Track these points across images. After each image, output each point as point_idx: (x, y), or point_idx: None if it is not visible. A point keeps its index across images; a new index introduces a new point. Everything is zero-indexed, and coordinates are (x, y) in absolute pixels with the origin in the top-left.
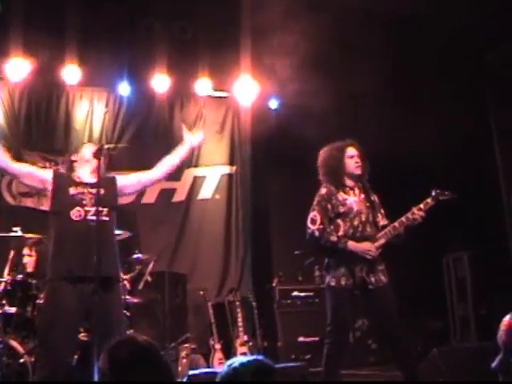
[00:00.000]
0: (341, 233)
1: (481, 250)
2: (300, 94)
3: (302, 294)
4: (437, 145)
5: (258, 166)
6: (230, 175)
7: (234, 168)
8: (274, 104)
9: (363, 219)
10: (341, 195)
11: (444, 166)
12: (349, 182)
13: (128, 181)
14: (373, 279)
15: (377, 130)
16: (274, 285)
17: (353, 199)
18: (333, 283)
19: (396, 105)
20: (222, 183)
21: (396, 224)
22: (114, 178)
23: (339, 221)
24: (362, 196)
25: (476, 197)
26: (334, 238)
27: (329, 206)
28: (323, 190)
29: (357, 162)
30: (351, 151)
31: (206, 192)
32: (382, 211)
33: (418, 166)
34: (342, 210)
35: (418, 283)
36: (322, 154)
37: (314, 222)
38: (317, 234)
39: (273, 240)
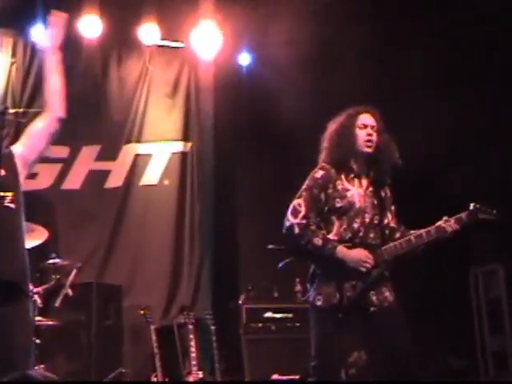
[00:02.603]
0: (333, 235)
1: None
2: (279, 46)
3: (278, 316)
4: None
5: (223, 142)
6: (183, 154)
7: (190, 145)
8: (244, 59)
9: (366, 221)
10: (342, 183)
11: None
12: (355, 166)
13: (22, 144)
14: (374, 298)
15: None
16: (239, 302)
17: (356, 191)
18: (319, 302)
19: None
20: (172, 165)
21: (411, 237)
22: (10, 151)
23: (334, 218)
24: (371, 189)
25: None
26: (318, 241)
27: (322, 196)
28: (319, 173)
29: (369, 135)
30: (365, 119)
31: (152, 176)
32: (393, 209)
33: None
34: (339, 203)
35: (434, 304)
36: (331, 123)
37: (296, 212)
38: (296, 230)
39: (240, 242)
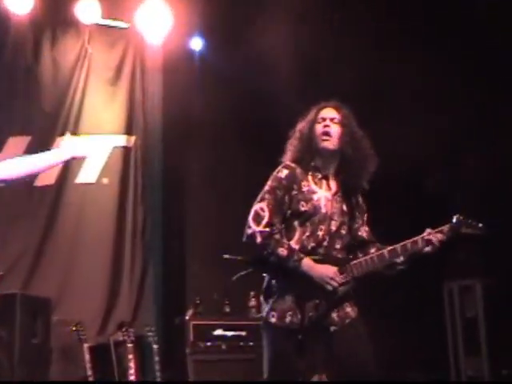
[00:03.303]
0: (294, 243)
1: (502, 276)
2: (239, 31)
3: (230, 334)
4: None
5: (172, 137)
6: (126, 149)
7: (133, 139)
8: (197, 44)
9: (332, 229)
10: (307, 184)
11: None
12: (320, 165)
13: None
14: (335, 315)
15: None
16: (186, 318)
17: (323, 195)
18: (273, 319)
19: None
20: (113, 161)
21: (385, 252)
22: None
23: (296, 224)
24: (340, 193)
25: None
26: (282, 252)
27: (286, 198)
28: (283, 172)
29: (325, 127)
30: (325, 112)
31: (89, 173)
32: (365, 218)
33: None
34: (303, 207)
35: (402, 324)
36: (299, 121)
37: (258, 218)
38: (259, 239)
39: (189, 250)
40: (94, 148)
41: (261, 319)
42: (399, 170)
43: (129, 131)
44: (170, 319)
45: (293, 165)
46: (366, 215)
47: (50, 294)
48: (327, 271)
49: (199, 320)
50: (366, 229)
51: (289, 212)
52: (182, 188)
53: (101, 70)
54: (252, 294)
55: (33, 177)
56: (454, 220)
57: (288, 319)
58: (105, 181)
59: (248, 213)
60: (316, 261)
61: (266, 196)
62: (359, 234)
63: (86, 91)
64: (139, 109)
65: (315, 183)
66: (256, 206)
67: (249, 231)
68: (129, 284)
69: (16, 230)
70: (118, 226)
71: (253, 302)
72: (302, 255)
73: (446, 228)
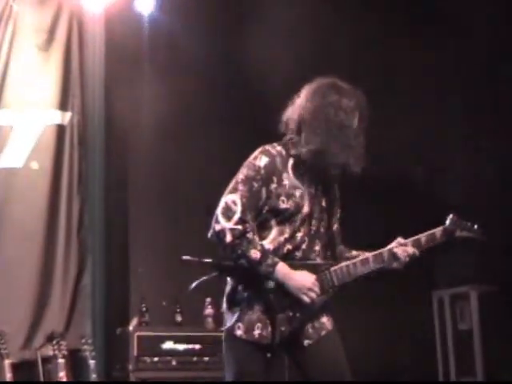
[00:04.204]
0: (267, 244)
1: (500, 283)
2: None
3: (181, 347)
4: None
5: (117, 115)
6: (59, 128)
7: (69, 115)
8: (145, 6)
9: (313, 229)
10: (289, 177)
11: None
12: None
13: None
14: (310, 330)
15: None
16: (130, 328)
17: (307, 190)
18: (239, 331)
19: None
20: (44, 142)
21: (370, 257)
22: None
23: (272, 222)
24: (320, 188)
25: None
26: (255, 254)
27: (263, 192)
28: (262, 160)
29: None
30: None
31: (14, 156)
32: (339, 214)
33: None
34: (283, 204)
35: (385, 338)
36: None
37: (229, 213)
38: (229, 237)
39: (134, 250)
40: (20, 125)
41: (223, 331)
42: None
43: (63, 106)
44: (111, 330)
45: (273, 151)
46: (339, 212)
47: None
48: (305, 280)
49: (145, 331)
50: (337, 227)
51: (265, 208)
52: (126, 176)
53: (29, 32)
54: (208, 300)
55: None
56: (448, 222)
57: (257, 332)
58: (34, 165)
59: (204, 207)
60: (292, 266)
61: (240, 187)
62: (334, 233)
63: (10, 57)
64: (76, 80)
65: (297, 176)
66: (227, 198)
67: (217, 227)
68: (61, 288)
69: None
70: (50, 219)
71: (209, 310)
72: (276, 260)
73: (438, 232)
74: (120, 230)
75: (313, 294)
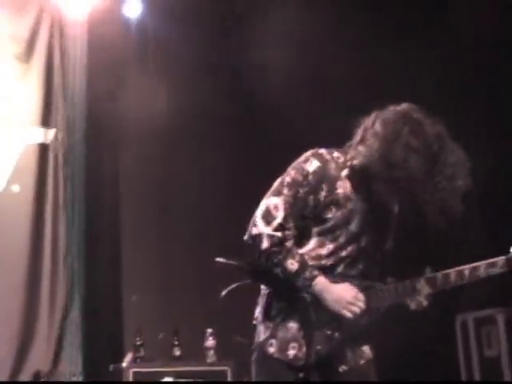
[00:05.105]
0: (305, 254)
1: None
2: None
3: (184, 381)
4: None
5: (101, 131)
6: (42, 146)
7: (52, 132)
8: (132, 10)
9: (361, 246)
10: (344, 186)
11: None
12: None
13: None
14: (349, 354)
15: None
16: (124, 364)
17: (360, 205)
18: (271, 349)
19: None
20: (25, 162)
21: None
22: None
23: (313, 231)
24: (376, 204)
25: None
26: (292, 264)
27: (310, 199)
28: (312, 164)
29: None
30: None
31: None
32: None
33: None
34: (330, 214)
35: (405, 362)
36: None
37: (269, 217)
38: (265, 244)
39: (126, 276)
40: None
41: (253, 347)
42: None
43: (46, 123)
44: (104, 366)
45: (328, 156)
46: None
47: None
48: (346, 293)
49: (141, 366)
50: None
51: (310, 215)
52: (117, 196)
53: (7, 42)
54: (209, 331)
55: None
56: None
57: (291, 353)
58: (15, 188)
59: (200, 229)
60: (333, 280)
61: (285, 190)
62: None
63: None
64: (58, 93)
65: (354, 187)
66: (269, 201)
67: (254, 230)
68: (47, 321)
69: None
70: (33, 246)
71: (210, 342)
72: (316, 273)
73: (500, 261)
74: (111, 256)
75: (355, 308)
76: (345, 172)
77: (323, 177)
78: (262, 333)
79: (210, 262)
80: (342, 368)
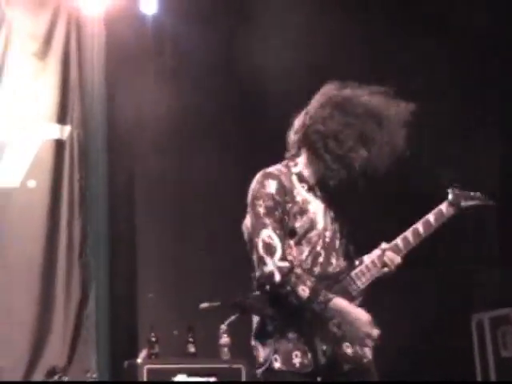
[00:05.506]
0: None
1: None
2: None
3: (195, 380)
4: None
5: (120, 128)
6: (58, 143)
7: (68, 129)
8: (148, 8)
9: (327, 242)
10: (300, 193)
11: None
12: (309, 176)
13: None
14: (349, 351)
15: None
16: (138, 361)
17: (318, 203)
18: (277, 364)
19: None
20: (42, 158)
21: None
22: None
23: (291, 243)
24: (328, 199)
25: None
26: (303, 291)
27: (285, 217)
28: (271, 184)
29: None
30: None
31: (10, 175)
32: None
33: None
34: (298, 222)
35: (420, 362)
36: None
37: (271, 250)
38: (277, 277)
39: (141, 274)
40: (15, 141)
41: (259, 369)
42: None
43: (62, 120)
44: (118, 363)
45: (275, 171)
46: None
47: None
48: (364, 318)
49: (155, 363)
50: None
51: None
52: (132, 194)
53: (24, 39)
54: (223, 328)
55: None
56: (450, 195)
57: (297, 361)
58: (31, 184)
59: (216, 225)
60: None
61: (266, 220)
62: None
63: (3, 66)
64: (75, 91)
65: (307, 190)
66: (261, 235)
67: (266, 269)
68: (62, 317)
69: None
70: (49, 242)
71: (225, 339)
72: (330, 296)
73: (444, 207)
74: (126, 253)
75: (373, 337)
76: (294, 179)
77: (283, 191)
78: (262, 355)
79: (226, 259)
80: (347, 367)
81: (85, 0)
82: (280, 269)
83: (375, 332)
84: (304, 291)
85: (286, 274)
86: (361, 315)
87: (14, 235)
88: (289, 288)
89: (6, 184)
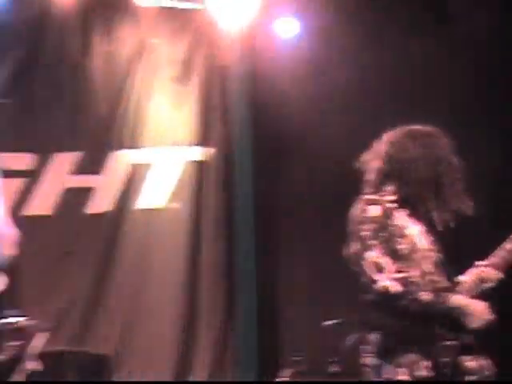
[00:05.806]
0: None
1: None
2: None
3: None
4: None
5: (265, 150)
6: (201, 164)
7: (211, 151)
8: (290, 29)
9: (430, 262)
10: (399, 218)
11: None
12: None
13: None
14: (472, 362)
15: None
16: (285, 379)
17: (416, 227)
18: (404, 377)
19: None
20: (185, 180)
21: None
22: None
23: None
24: (427, 223)
25: None
26: (427, 295)
27: (389, 240)
28: (372, 209)
29: None
30: None
31: (155, 196)
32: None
33: None
34: (399, 245)
35: None
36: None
37: (379, 267)
38: (396, 288)
39: (284, 292)
40: (159, 163)
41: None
42: None
43: (204, 142)
44: (261, 378)
45: (371, 196)
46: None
47: (108, 350)
48: (479, 304)
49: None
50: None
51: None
52: (277, 214)
53: (165, 65)
54: (367, 348)
55: None
56: None
57: (419, 374)
58: (175, 205)
59: None
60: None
61: (371, 243)
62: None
63: (147, 92)
64: (216, 113)
65: (405, 215)
66: (368, 257)
67: (379, 286)
68: (205, 337)
69: (64, 272)
70: (192, 263)
71: (368, 359)
72: (448, 295)
73: None
74: (269, 272)
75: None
76: (390, 205)
77: (384, 215)
78: (386, 371)
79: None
80: (468, 378)
81: (224, 22)
82: (397, 279)
83: (492, 317)
84: (427, 295)
85: (404, 283)
86: (478, 305)
87: (157, 256)
88: (410, 297)
89: (151, 205)
